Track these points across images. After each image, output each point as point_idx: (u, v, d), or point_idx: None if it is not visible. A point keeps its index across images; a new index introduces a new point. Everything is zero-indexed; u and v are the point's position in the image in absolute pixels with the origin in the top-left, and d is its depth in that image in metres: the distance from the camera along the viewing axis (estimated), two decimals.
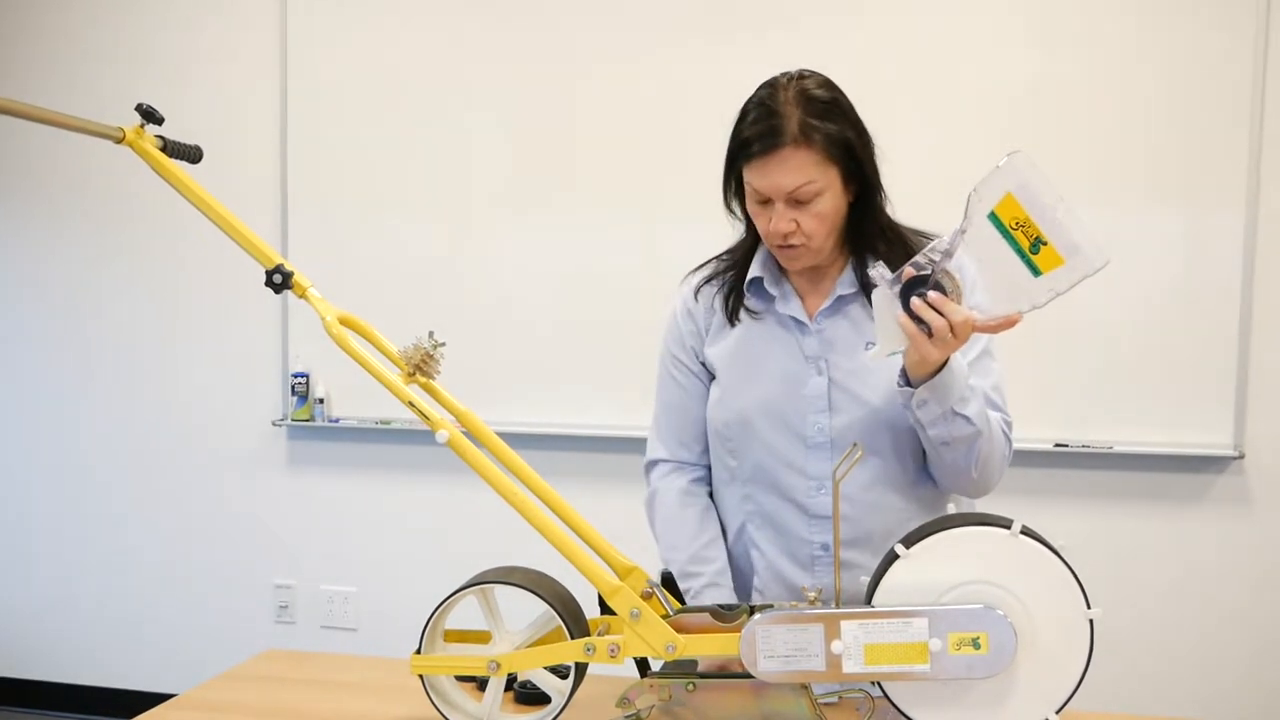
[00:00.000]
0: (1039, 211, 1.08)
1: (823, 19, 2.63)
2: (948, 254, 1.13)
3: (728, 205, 1.39)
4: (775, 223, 1.27)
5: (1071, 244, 1.07)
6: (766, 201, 1.28)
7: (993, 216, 1.09)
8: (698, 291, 1.46)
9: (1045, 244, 1.08)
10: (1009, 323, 1.14)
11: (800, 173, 1.24)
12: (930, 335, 1.14)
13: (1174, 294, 2.51)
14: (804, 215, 1.26)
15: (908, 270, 1.15)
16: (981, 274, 1.16)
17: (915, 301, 1.14)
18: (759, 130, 1.26)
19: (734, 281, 1.42)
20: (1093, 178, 2.53)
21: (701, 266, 1.48)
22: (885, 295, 1.17)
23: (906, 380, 1.24)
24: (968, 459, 1.28)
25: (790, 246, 1.29)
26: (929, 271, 1.14)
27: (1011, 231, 1.09)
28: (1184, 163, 2.49)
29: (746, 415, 1.37)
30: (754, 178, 1.27)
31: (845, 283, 1.35)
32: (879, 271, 1.16)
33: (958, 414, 1.23)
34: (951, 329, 1.13)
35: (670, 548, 1.42)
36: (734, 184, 1.36)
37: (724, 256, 1.46)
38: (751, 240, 1.41)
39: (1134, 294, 2.52)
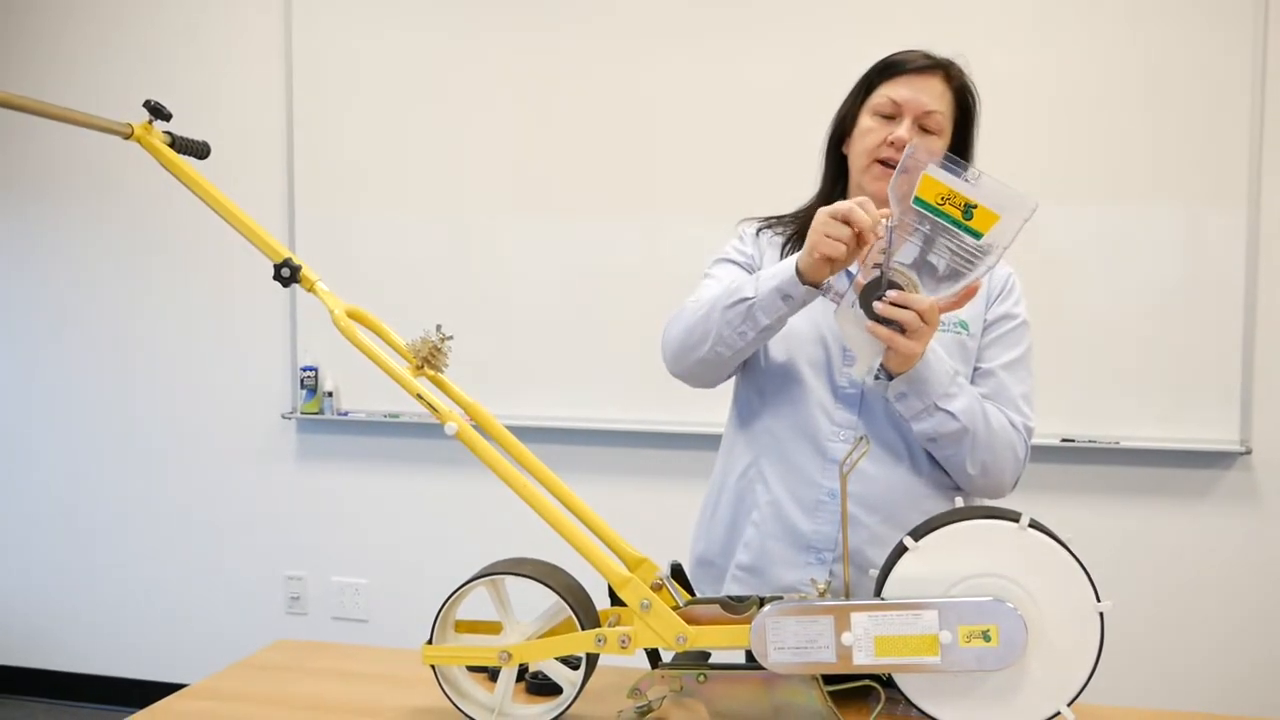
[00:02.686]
0: (957, 182, 1.12)
1: (824, 19, 2.64)
2: (888, 252, 1.17)
3: (830, 146, 1.45)
4: (900, 130, 1.33)
5: (1000, 198, 1.11)
6: (891, 118, 1.35)
7: (918, 201, 1.13)
8: (759, 232, 1.49)
9: (976, 206, 1.12)
10: (970, 292, 1.19)
11: (940, 100, 1.36)
12: (904, 332, 1.18)
13: (1179, 289, 2.51)
14: (921, 142, 1.32)
15: (859, 280, 1.19)
16: (927, 257, 1.20)
17: (879, 306, 1.17)
18: (917, 56, 1.37)
19: (801, 227, 1.44)
20: (1096, 174, 2.53)
21: (764, 219, 1.51)
22: (847, 312, 1.20)
23: (888, 375, 1.27)
24: (959, 456, 1.30)
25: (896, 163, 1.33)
26: (879, 275, 1.17)
27: (940, 207, 1.13)
28: (1187, 158, 2.49)
29: (791, 353, 1.39)
30: (897, 89, 1.35)
31: (903, 251, 1.36)
32: (835, 292, 1.21)
33: (940, 409, 1.26)
34: (921, 317, 1.17)
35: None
36: (843, 120, 1.42)
37: (789, 214, 1.49)
38: (823, 200, 1.45)
39: (1140, 289, 2.52)
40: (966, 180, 1.12)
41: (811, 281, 1.24)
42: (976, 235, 1.13)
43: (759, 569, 1.39)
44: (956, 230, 1.13)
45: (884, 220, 1.17)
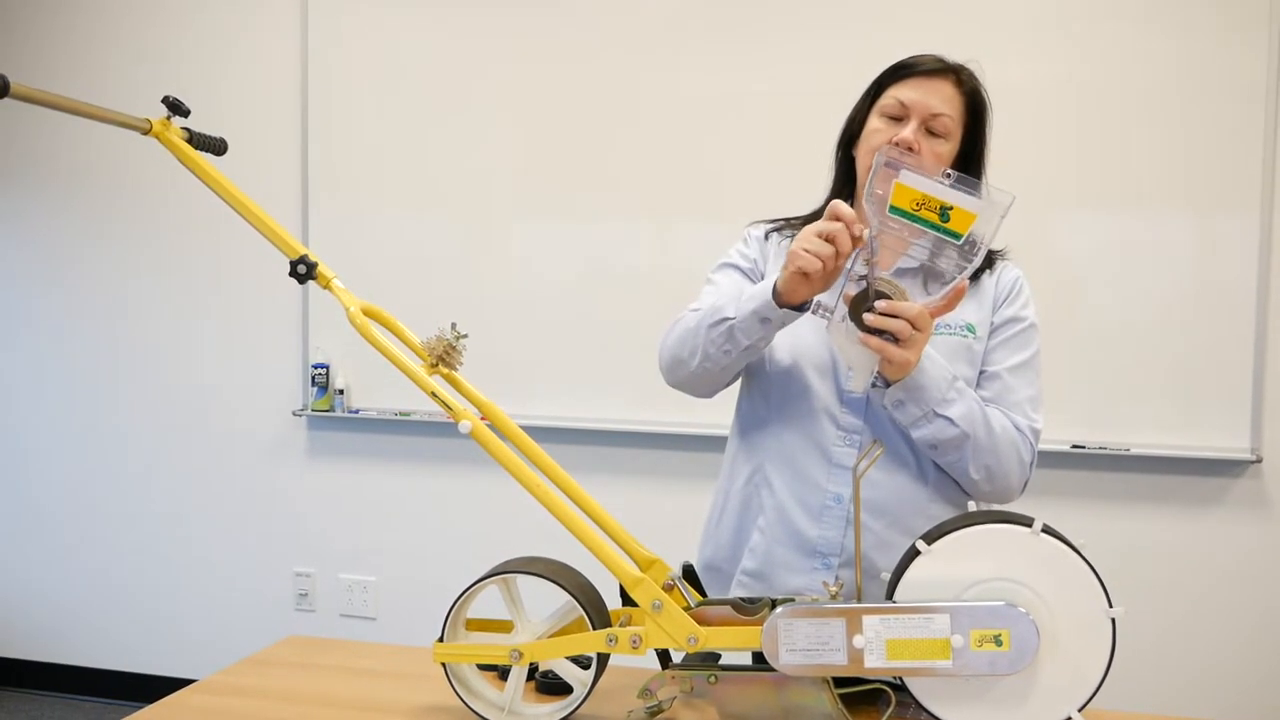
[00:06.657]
0: (929, 186, 1.12)
1: (835, 23, 2.63)
2: (871, 262, 1.17)
3: (841, 148, 1.44)
4: (905, 132, 1.31)
5: (974, 198, 1.12)
6: (899, 119, 1.33)
7: (894, 209, 1.14)
8: (767, 235, 1.48)
9: (951, 208, 1.12)
10: (958, 294, 1.20)
11: (949, 104, 1.33)
12: (897, 341, 1.18)
13: (1191, 296, 2.50)
14: (926, 144, 1.32)
15: (846, 293, 1.19)
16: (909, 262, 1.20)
17: (869, 318, 1.17)
18: (929, 59, 1.35)
19: None
20: (1108, 180, 2.52)
21: (773, 220, 1.51)
22: (838, 328, 1.21)
23: (885, 384, 1.26)
24: (961, 462, 1.30)
25: None
26: (865, 287, 1.17)
27: (917, 213, 1.13)
28: (1199, 164, 2.48)
29: (795, 355, 1.38)
30: (906, 91, 1.34)
31: (907, 257, 1.36)
32: (825, 309, 1.21)
33: (939, 415, 1.26)
34: (912, 324, 1.17)
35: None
36: (854, 121, 1.41)
37: (799, 216, 1.49)
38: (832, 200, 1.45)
39: (1151, 295, 2.51)
40: (939, 182, 1.12)
41: (790, 302, 1.23)
42: (956, 236, 1.14)
43: (764, 574, 1.38)
44: (936, 234, 1.14)
45: (865, 231, 1.16)
